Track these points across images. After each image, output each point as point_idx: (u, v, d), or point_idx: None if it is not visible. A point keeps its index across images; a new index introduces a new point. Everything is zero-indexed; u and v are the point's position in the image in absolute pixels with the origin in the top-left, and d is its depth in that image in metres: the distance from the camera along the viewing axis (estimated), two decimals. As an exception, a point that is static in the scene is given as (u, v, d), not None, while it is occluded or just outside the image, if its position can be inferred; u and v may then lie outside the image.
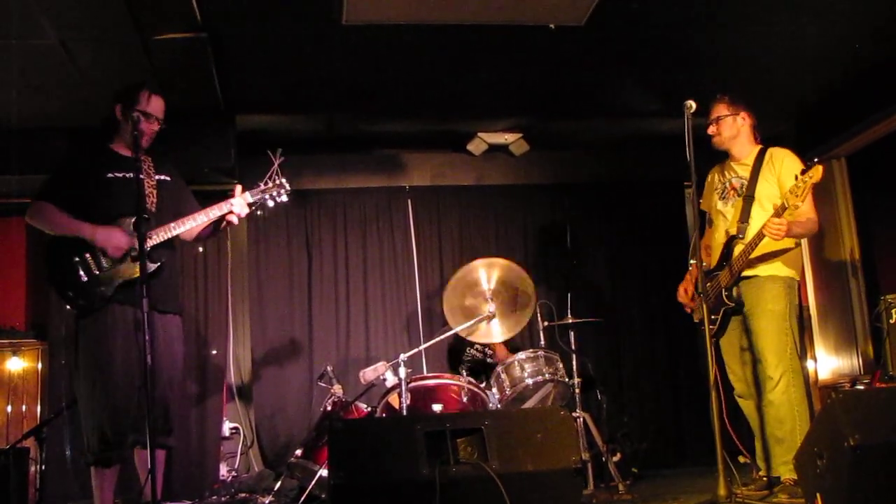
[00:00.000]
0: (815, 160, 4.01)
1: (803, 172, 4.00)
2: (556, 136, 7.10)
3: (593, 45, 5.31)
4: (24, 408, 6.11)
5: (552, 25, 4.95)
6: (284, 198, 4.56)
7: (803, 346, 6.68)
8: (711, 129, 4.64)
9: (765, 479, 4.45)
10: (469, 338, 5.51)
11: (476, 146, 6.92)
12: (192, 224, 4.30)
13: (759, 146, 4.64)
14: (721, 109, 4.62)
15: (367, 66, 5.51)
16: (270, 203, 4.54)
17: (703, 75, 5.70)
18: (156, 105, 4.29)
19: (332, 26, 4.83)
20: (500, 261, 5.50)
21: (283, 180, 4.53)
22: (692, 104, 3.97)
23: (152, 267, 4.10)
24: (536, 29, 5.00)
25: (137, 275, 3.96)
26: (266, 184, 4.51)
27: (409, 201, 7.12)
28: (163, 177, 4.39)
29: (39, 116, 5.71)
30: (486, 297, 5.34)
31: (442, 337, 5.41)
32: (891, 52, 5.50)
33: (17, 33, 4.53)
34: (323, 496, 4.88)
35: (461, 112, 6.51)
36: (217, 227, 4.53)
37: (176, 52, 4.88)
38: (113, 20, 4.46)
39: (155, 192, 4.30)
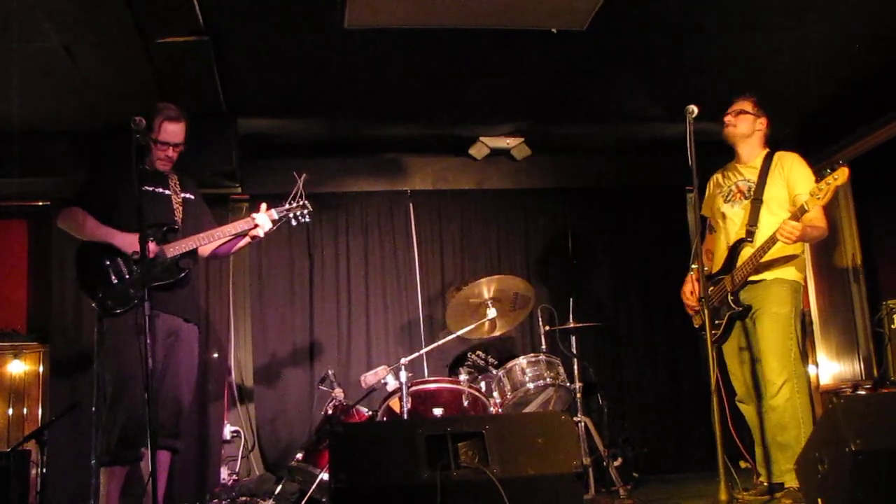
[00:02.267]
0: (840, 162, 3.99)
1: (828, 174, 3.98)
2: (558, 140, 7.10)
3: (595, 50, 5.32)
4: (25, 410, 6.12)
5: (554, 30, 4.96)
6: (307, 218, 4.67)
7: (805, 350, 6.69)
8: (729, 119, 4.62)
9: (765, 484, 4.43)
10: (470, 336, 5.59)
11: (478, 150, 6.92)
12: (218, 236, 4.46)
13: (766, 150, 4.64)
14: (746, 105, 4.61)
15: (368, 70, 5.51)
16: (294, 222, 4.66)
17: (705, 80, 5.70)
18: (169, 133, 4.41)
19: (334, 30, 4.84)
20: (498, 276, 5.52)
21: (307, 201, 4.64)
22: (694, 109, 3.96)
23: (180, 274, 4.32)
24: (538, 33, 5.01)
25: (167, 280, 4.25)
26: (290, 203, 4.62)
27: (411, 205, 7.11)
28: (187, 195, 4.56)
29: (41, 119, 5.73)
30: (487, 305, 5.36)
31: (443, 341, 5.41)
32: (893, 58, 5.50)
33: (20, 36, 4.54)
34: (324, 500, 4.87)
35: (463, 116, 6.51)
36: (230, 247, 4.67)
37: (178, 56, 4.89)
38: (115, 23, 4.46)
39: (181, 208, 4.48)
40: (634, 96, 6.20)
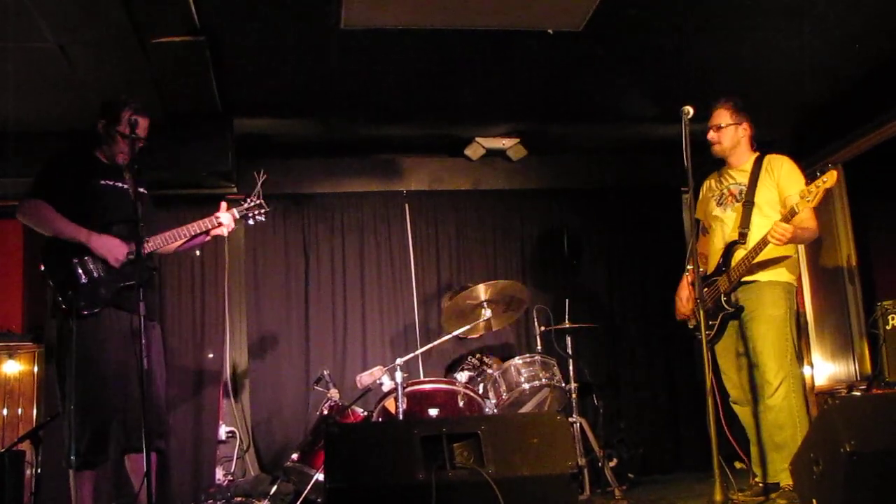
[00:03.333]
0: (830, 165, 4.03)
1: (817, 177, 4.01)
2: (554, 141, 7.10)
3: (591, 51, 5.32)
4: (19, 411, 6.10)
5: (550, 31, 4.97)
6: (263, 217, 4.73)
7: (800, 351, 6.70)
8: (713, 137, 4.64)
9: (760, 485, 4.44)
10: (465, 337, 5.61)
11: (473, 151, 6.92)
12: (183, 235, 4.44)
13: (756, 153, 4.66)
14: (724, 117, 4.61)
15: (365, 70, 5.51)
16: (251, 221, 4.72)
17: (701, 81, 5.71)
18: (137, 126, 4.24)
19: (330, 31, 4.84)
20: (499, 282, 5.53)
21: (263, 201, 4.70)
22: (689, 110, 3.97)
23: (148, 274, 4.23)
24: (534, 34, 5.02)
25: (138, 280, 4.06)
26: (249, 202, 4.69)
27: (407, 206, 7.12)
28: (142, 189, 4.46)
29: (37, 119, 5.71)
30: (482, 306, 5.36)
31: (439, 341, 5.41)
32: (888, 60, 5.51)
33: (16, 36, 4.54)
34: (319, 500, 4.87)
35: (459, 117, 6.51)
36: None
37: (174, 56, 4.89)
38: (111, 23, 4.46)
39: (139, 203, 4.32)
40: (630, 97, 6.21)
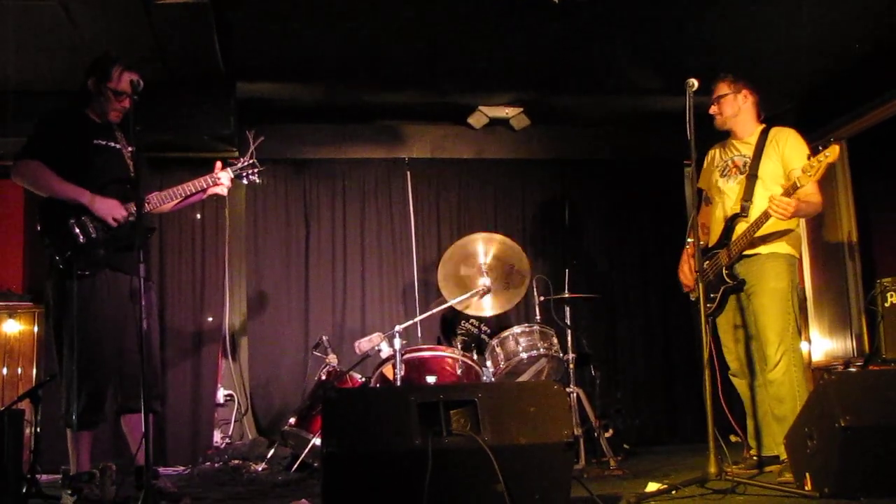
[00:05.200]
0: (832, 139, 4.01)
1: (820, 151, 4.00)
2: (557, 111, 7.07)
3: (596, 21, 5.28)
4: (19, 370, 6.13)
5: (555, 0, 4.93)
6: (255, 177, 4.75)
7: (798, 326, 6.71)
8: (713, 109, 4.65)
9: (755, 458, 4.48)
10: (463, 310, 5.58)
11: (476, 119, 6.90)
12: (180, 194, 4.42)
13: (762, 125, 4.64)
14: (723, 88, 4.63)
15: (369, 36, 5.47)
16: (245, 181, 4.73)
17: (705, 54, 5.68)
18: (128, 83, 4.11)
19: (335, -5, 4.81)
20: (498, 237, 5.54)
21: (256, 160, 4.71)
22: (694, 82, 3.95)
23: (148, 234, 4.30)
24: (539, 3, 4.97)
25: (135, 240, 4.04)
26: (243, 162, 4.70)
27: (409, 173, 7.10)
28: (133, 148, 4.34)
29: (38, 78, 5.67)
30: (481, 271, 5.35)
31: (437, 309, 5.43)
32: (893, 36, 5.47)
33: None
34: (316, 464, 4.91)
35: (462, 85, 6.47)
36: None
37: (177, 17, 4.84)
38: (115, -17, 4.43)
39: (131, 162, 4.32)
40: (634, 69, 6.17)
